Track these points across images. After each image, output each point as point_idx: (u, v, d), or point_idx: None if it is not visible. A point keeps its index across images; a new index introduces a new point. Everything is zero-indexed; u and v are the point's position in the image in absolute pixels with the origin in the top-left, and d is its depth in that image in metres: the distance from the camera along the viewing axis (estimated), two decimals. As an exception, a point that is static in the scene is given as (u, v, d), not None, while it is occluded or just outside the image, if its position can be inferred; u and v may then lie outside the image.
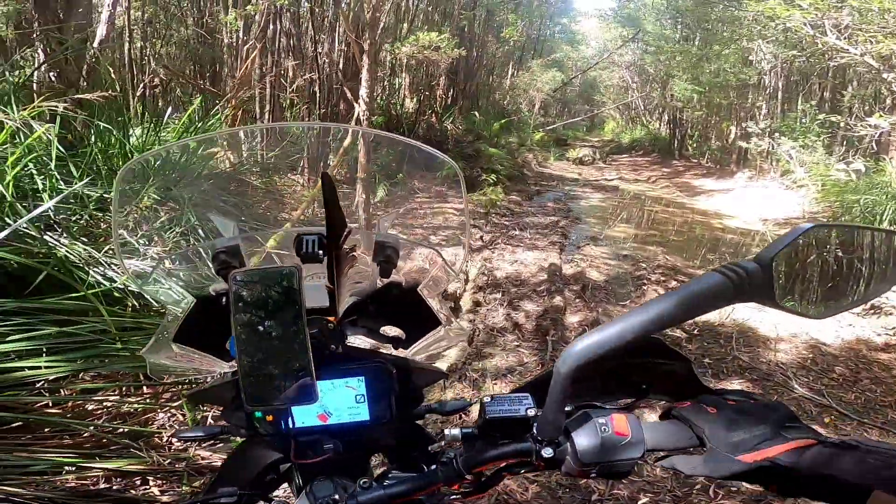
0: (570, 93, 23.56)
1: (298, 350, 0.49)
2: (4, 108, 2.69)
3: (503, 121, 11.04)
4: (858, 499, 0.43)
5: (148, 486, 1.77)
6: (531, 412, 0.55)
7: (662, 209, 8.95)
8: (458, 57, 8.38)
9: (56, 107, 2.74)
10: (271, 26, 5.87)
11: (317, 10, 6.06)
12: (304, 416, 0.64)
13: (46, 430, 1.77)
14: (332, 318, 0.66)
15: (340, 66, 6.06)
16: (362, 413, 0.65)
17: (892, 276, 0.56)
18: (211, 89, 5.27)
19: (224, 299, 0.64)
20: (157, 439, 1.93)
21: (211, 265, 0.65)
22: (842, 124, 7.24)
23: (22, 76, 3.54)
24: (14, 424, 1.72)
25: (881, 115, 6.38)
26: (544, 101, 15.94)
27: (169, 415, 2.07)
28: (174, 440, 1.93)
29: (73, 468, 1.67)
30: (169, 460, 1.86)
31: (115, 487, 1.71)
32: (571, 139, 18.87)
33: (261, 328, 0.49)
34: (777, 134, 9.53)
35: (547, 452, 0.53)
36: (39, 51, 3.62)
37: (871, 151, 7.75)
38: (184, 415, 2.06)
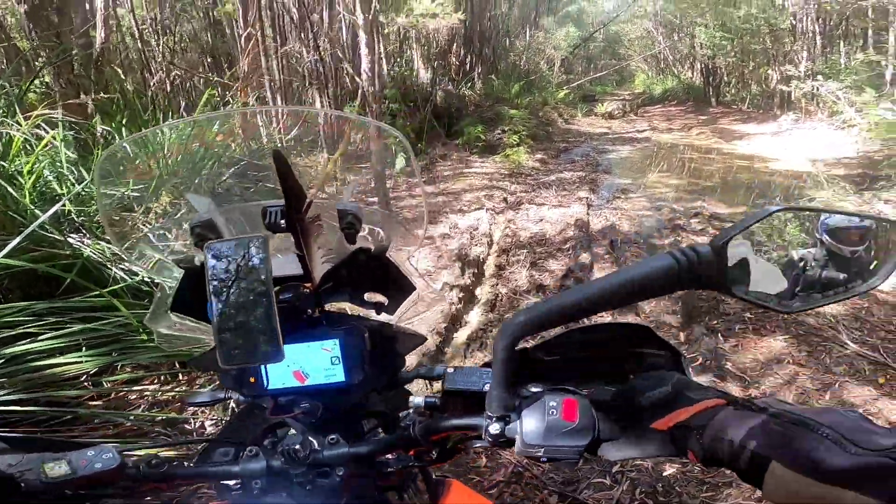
0: (594, 48, 22.79)
1: (266, 313, 0.53)
2: (9, 119, 2.75)
3: (522, 82, 10.69)
4: (759, 469, 0.41)
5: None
6: (487, 387, 0.55)
7: (701, 156, 8.49)
8: (463, 22, 8.08)
9: (56, 112, 2.78)
10: (268, 11, 5.78)
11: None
12: (282, 378, 0.68)
13: (96, 420, 1.89)
14: (307, 285, 0.71)
15: (343, 42, 5.95)
16: (338, 374, 0.69)
17: (883, 272, 0.49)
18: (221, 80, 5.27)
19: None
20: (186, 426, 2.03)
21: (191, 239, 0.70)
22: (883, 64, 6.65)
23: (24, 85, 3.61)
24: (66, 418, 1.83)
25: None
26: (566, 58, 15.33)
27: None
28: (186, 406, 2.04)
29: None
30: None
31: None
32: (600, 94, 18.19)
33: (233, 293, 0.54)
34: (820, 76, 9.07)
35: (494, 429, 0.52)
36: (40, 59, 3.69)
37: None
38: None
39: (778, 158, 7.88)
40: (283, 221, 0.65)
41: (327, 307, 0.75)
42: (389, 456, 0.64)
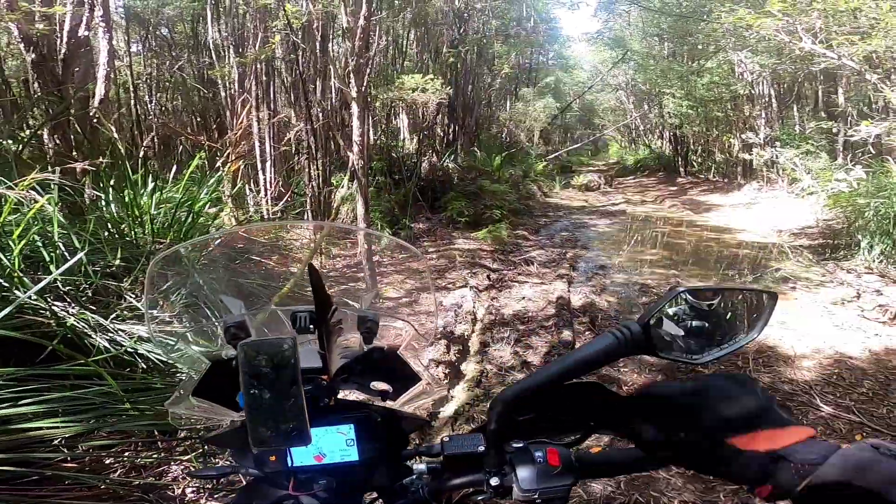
0: (571, 118, 23.75)
1: (294, 403, 0.61)
2: (5, 178, 2.78)
3: (504, 154, 11.10)
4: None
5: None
6: (481, 448, 0.67)
7: (672, 229, 8.84)
8: (451, 95, 8.44)
9: (52, 176, 2.83)
10: (264, 77, 6.03)
11: (307, 59, 6.24)
12: (302, 457, 0.76)
13: (66, 482, 1.89)
14: (325, 377, 0.79)
15: (333, 114, 6.19)
16: (352, 454, 0.77)
17: (758, 327, 0.66)
18: (212, 144, 5.41)
19: (234, 363, 0.78)
20: (169, 492, 2.03)
21: (223, 337, 0.80)
22: (834, 130, 7.13)
23: (21, 143, 3.66)
24: (32, 478, 1.84)
25: (869, 122, 6.28)
26: (544, 129, 16.06)
27: (182, 467, 2.16)
28: (189, 479, 2.09)
29: (89, 519, 1.76)
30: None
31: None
32: (576, 165, 18.86)
33: (265, 386, 0.61)
34: (777, 143, 9.48)
35: (494, 481, 0.64)
36: (43, 114, 3.71)
37: (871, 154, 7.64)
38: (195, 467, 2.13)
39: (744, 229, 8.27)
40: (311, 325, 0.76)
41: (340, 395, 0.83)
42: None
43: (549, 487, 0.62)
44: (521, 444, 0.66)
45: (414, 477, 0.71)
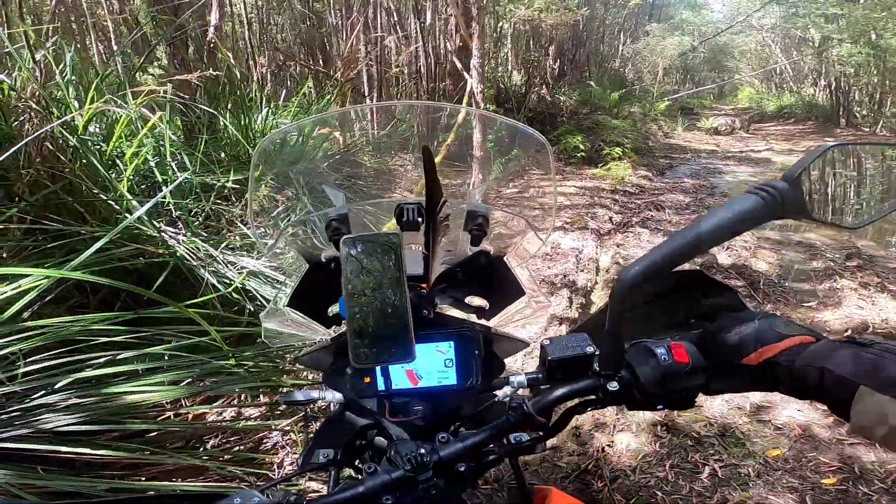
0: (693, 60, 21.46)
1: (399, 311, 0.52)
2: (117, 97, 2.61)
3: (622, 90, 10.00)
4: (847, 395, 0.42)
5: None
6: (590, 349, 0.57)
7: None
8: (569, 24, 7.62)
9: (164, 89, 2.62)
10: (371, 2, 5.59)
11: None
12: (396, 379, 0.68)
13: (167, 455, 1.71)
14: (425, 285, 0.70)
15: (446, 37, 5.65)
16: (450, 377, 0.69)
17: None
18: (321, 69, 5.14)
19: (333, 265, 0.75)
20: (267, 467, 1.82)
21: (324, 233, 0.72)
22: None
23: (136, 62, 3.58)
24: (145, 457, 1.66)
25: None
26: (668, 68, 14.36)
27: (282, 433, 1.96)
28: (282, 404, 1.87)
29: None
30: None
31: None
32: (698, 108, 17.00)
33: (367, 289, 0.52)
34: None
35: (612, 386, 0.53)
36: (158, 39, 3.62)
37: None
38: (295, 433, 1.91)
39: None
40: (420, 219, 0.65)
41: (437, 309, 0.73)
42: (496, 446, 0.61)
43: (679, 389, 0.51)
44: (637, 342, 0.55)
45: (509, 390, 0.61)
